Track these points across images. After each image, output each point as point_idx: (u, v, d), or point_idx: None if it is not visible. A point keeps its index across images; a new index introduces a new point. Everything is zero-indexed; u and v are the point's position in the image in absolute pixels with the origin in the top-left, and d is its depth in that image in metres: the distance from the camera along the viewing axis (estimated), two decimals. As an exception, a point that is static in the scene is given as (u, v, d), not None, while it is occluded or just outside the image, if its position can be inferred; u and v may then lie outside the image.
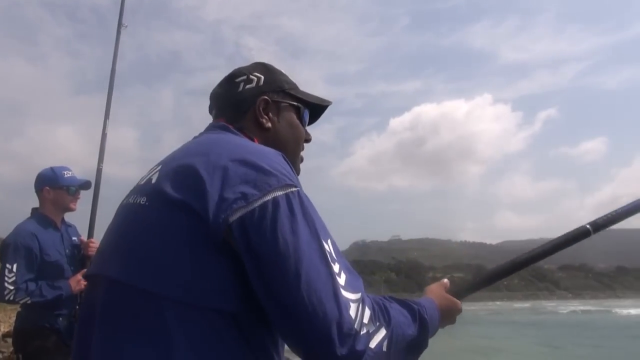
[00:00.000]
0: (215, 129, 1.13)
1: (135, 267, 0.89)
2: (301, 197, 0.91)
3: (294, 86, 1.22)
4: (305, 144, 1.25)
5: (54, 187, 3.13)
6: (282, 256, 0.84)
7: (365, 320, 0.85)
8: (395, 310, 0.96)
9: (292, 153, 1.17)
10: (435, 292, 1.22)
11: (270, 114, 1.16)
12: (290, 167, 0.98)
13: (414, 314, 1.00)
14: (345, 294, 0.85)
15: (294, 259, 0.84)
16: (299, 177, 1.16)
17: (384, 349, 0.87)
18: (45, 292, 2.91)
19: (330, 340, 0.81)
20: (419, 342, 1.00)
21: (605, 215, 1.30)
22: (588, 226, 1.27)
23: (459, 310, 1.23)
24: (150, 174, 0.99)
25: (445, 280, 1.28)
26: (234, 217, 0.85)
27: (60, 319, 2.99)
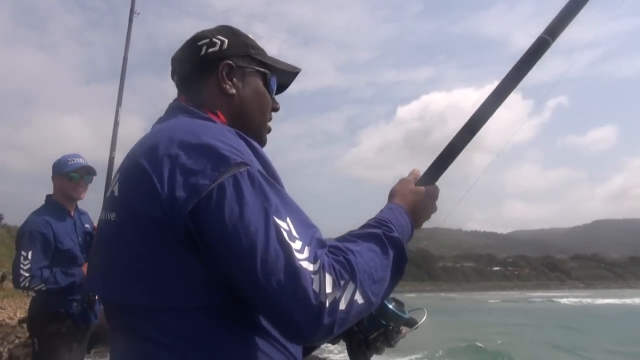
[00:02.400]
0: (173, 110, 1.08)
1: (117, 285, 0.92)
2: (252, 175, 0.85)
3: (261, 51, 1.15)
4: (273, 113, 1.18)
5: (59, 174, 3.17)
6: (234, 243, 0.81)
7: (329, 289, 0.81)
8: (360, 252, 0.90)
9: (257, 122, 1.13)
10: (401, 191, 1.13)
11: (234, 80, 1.09)
12: (247, 141, 0.94)
13: (381, 240, 0.95)
14: (306, 266, 0.81)
15: (246, 245, 0.80)
16: (266, 147, 1.14)
17: (356, 298, 0.85)
18: (60, 279, 2.96)
19: (298, 321, 0.80)
20: (397, 263, 0.96)
21: (553, 19, 1.19)
22: (544, 35, 1.16)
23: (433, 197, 1.14)
24: (113, 185, 0.98)
25: (416, 169, 1.18)
26: (186, 213, 0.83)
27: (75, 304, 3.04)
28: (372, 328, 1.11)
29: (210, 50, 1.09)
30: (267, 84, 1.14)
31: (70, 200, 3.21)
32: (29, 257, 2.94)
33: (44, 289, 2.95)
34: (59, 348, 2.94)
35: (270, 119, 1.17)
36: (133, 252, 0.89)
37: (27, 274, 2.91)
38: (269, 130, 1.17)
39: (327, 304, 0.80)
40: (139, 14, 3.79)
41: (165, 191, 0.85)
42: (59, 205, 3.18)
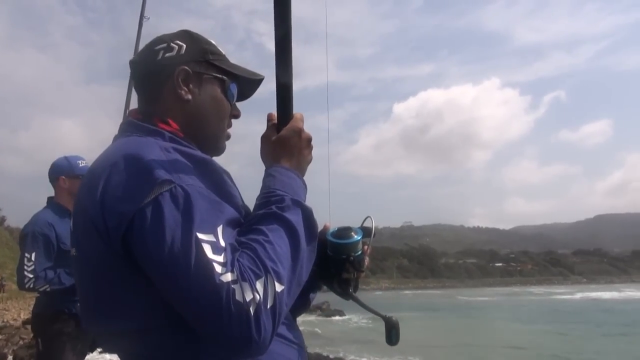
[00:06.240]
0: (122, 128, 1.09)
1: (90, 316, 1.00)
2: (174, 194, 0.85)
3: (221, 57, 1.13)
4: (233, 120, 1.17)
5: (69, 176, 3.18)
6: (157, 269, 0.83)
7: (249, 296, 0.80)
8: (266, 239, 0.88)
9: (213, 129, 1.12)
10: (266, 151, 1.08)
11: (191, 86, 1.08)
12: (185, 154, 0.95)
13: (277, 216, 0.93)
14: (227, 280, 0.80)
15: (168, 270, 0.82)
16: (223, 155, 1.16)
17: (277, 289, 0.84)
18: (64, 279, 2.98)
19: (233, 338, 0.80)
20: (305, 220, 0.95)
21: None
22: None
23: (296, 133, 1.06)
24: (70, 221, 1.03)
25: (270, 114, 1.11)
26: (119, 241, 0.86)
27: (79, 304, 3.04)
28: (339, 267, 1.12)
29: (167, 55, 1.08)
30: (225, 91, 1.12)
31: None
32: (33, 258, 2.96)
33: (48, 289, 2.96)
34: (62, 348, 2.96)
35: (230, 126, 1.17)
36: (94, 284, 0.95)
37: (31, 275, 2.93)
38: (228, 137, 1.17)
39: (253, 311, 0.80)
40: (149, 18, 3.81)
41: (101, 223, 0.88)
42: (61, 206, 3.19)
